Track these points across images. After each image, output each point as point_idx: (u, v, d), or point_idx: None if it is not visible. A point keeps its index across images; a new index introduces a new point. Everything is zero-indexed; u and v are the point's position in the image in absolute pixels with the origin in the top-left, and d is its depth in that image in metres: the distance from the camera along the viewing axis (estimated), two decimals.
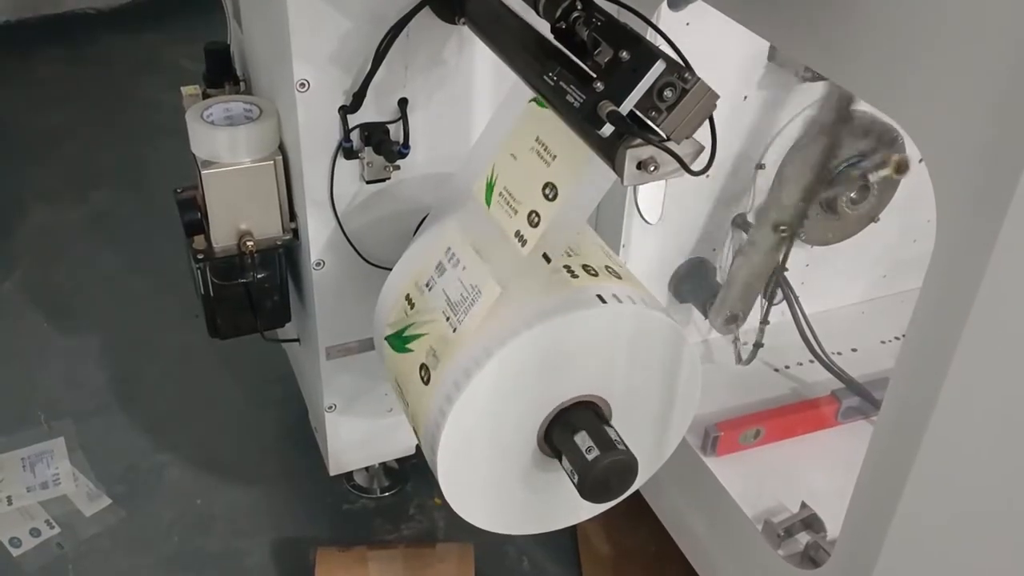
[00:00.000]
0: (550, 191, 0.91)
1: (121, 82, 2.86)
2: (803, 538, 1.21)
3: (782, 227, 1.31)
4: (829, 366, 1.43)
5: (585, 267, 1.01)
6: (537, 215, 0.92)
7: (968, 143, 0.73)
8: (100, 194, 2.38)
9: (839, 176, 1.38)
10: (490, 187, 0.99)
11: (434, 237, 1.08)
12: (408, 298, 1.06)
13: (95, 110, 2.72)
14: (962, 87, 0.73)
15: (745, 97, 1.34)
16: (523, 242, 0.93)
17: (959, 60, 0.73)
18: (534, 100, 0.95)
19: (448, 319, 0.98)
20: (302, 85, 1.09)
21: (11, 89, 2.82)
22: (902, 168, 1.37)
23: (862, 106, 1.35)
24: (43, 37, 3.06)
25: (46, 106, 2.75)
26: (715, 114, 0.75)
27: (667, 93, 0.73)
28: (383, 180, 1.19)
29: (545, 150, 0.92)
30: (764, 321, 1.40)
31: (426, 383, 0.98)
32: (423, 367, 0.99)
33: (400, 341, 1.05)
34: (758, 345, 1.42)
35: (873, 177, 1.38)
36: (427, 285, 1.03)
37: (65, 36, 3.09)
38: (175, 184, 1.31)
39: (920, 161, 0.80)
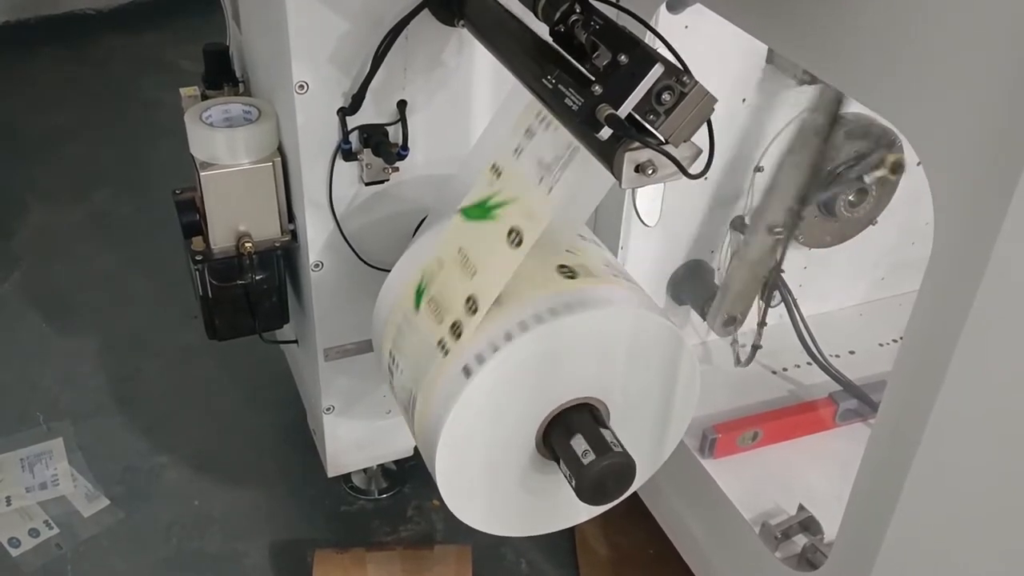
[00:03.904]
0: (471, 304, 0.92)
1: (121, 82, 2.86)
2: (800, 540, 1.21)
3: (776, 229, 1.32)
4: (827, 368, 1.43)
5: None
6: (460, 326, 0.94)
7: (965, 146, 0.73)
8: (100, 194, 2.38)
9: (837, 178, 1.38)
10: (419, 293, 1.01)
11: (433, 238, 1.08)
12: (494, 168, 0.97)
13: (95, 110, 2.73)
14: (959, 90, 0.73)
15: (744, 100, 1.34)
16: (445, 352, 0.95)
17: (956, 63, 0.73)
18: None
19: (541, 181, 0.90)
20: (301, 87, 1.09)
21: (11, 89, 2.82)
22: (897, 168, 1.37)
23: (861, 109, 1.35)
24: (43, 37, 3.07)
25: (46, 106, 2.75)
26: (713, 117, 0.75)
27: (665, 96, 0.73)
28: (382, 182, 1.19)
29: (467, 262, 0.94)
30: (762, 323, 1.40)
31: (517, 247, 0.91)
32: (513, 231, 0.91)
33: (483, 210, 0.97)
34: (756, 347, 1.42)
35: (869, 178, 1.38)
36: (516, 151, 0.95)
37: (65, 36, 3.09)
38: (175, 184, 1.31)
39: (918, 164, 0.80)
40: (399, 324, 1.05)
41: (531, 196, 0.90)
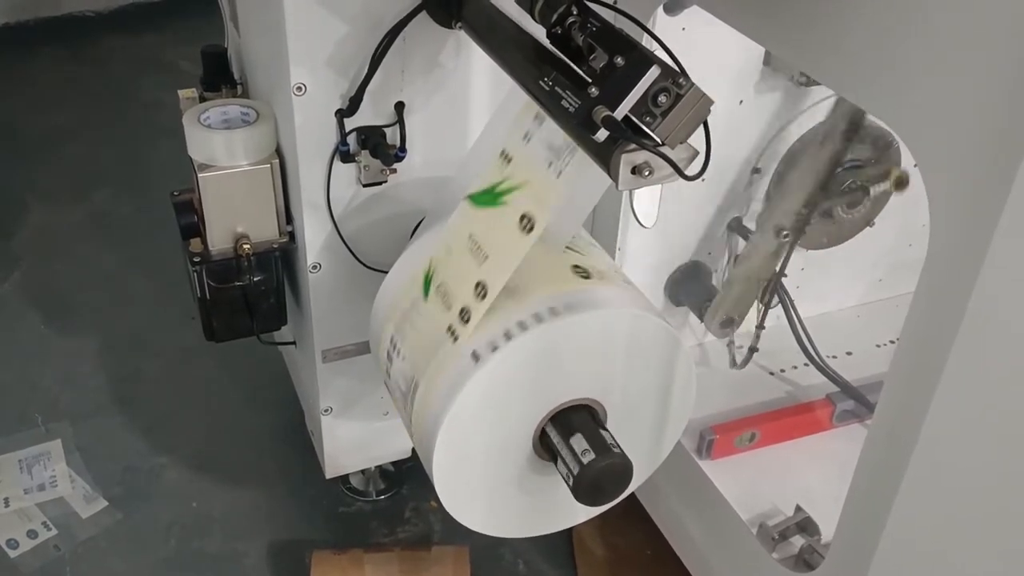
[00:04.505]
0: (480, 290, 0.93)
1: (121, 83, 2.86)
2: (798, 541, 1.21)
3: (784, 232, 1.32)
4: (824, 370, 1.43)
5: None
6: (468, 312, 0.94)
7: (961, 148, 0.73)
8: (100, 195, 2.38)
9: (835, 181, 1.38)
10: (428, 280, 1.01)
11: (432, 239, 1.08)
12: (504, 154, 0.97)
13: (95, 111, 2.73)
14: (955, 92, 0.73)
15: (741, 102, 1.34)
16: (455, 337, 0.95)
17: (952, 65, 0.73)
18: (469, 197, 0.98)
19: (550, 166, 0.90)
20: (299, 89, 1.09)
21: (11, 90, 2.82)
22: (902, 184, 1.38)
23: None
24: (43, 39, 3.07)
25: (46, 107, 2.75)
26: (710, 119, 0.75)
27: (662, 98, 0.74)
28: (380, 183, 1.19)
29: (478, 248, 0.94)
30: (760, 326, 1.40)
31: (528, 232, 0.91)
32: (525, 217, 0.91)
33: (491, 196, 0.97)
34: (753, 349, 1.42)
35: (874, 191, 1.39)
36: (525, 137, 0.95)
37: (65, 38, 3.09)
38: (175, 185, 1.31)
39: (915, 166, 0.80)
40: (405, 309, 1.05)
41: (541, 181, 0.90)
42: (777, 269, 1.36)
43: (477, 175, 1.00)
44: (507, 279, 0.92)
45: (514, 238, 0.91)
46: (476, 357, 0.94)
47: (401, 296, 1.07)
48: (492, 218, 0.96)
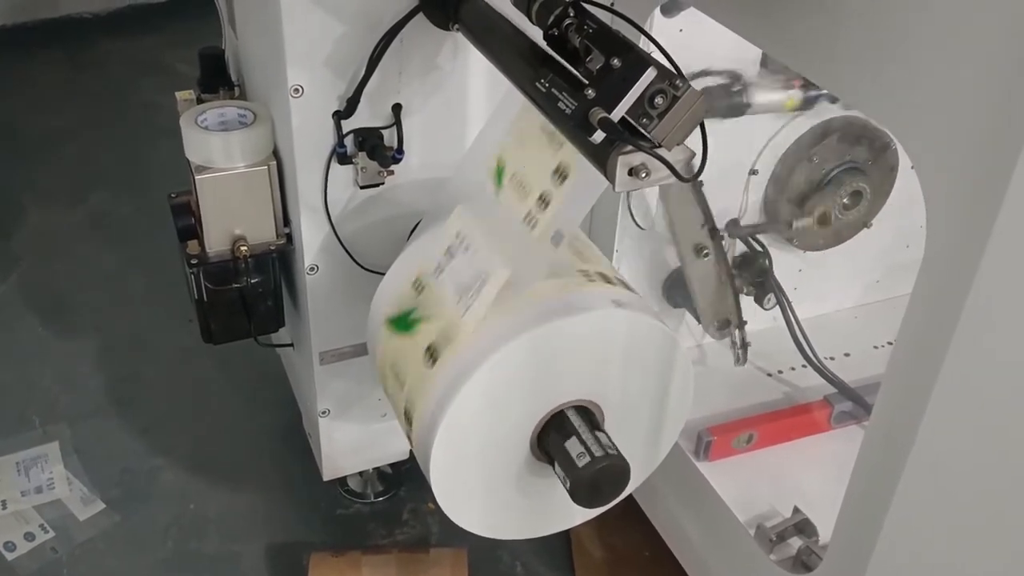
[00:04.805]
0: (559, 176, 0.91)
1: (119, 85, 2.86)
2: (795, 543, 1.21)
3: (704, 250, 1.36)
4: (822, 371, 1.43)
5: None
6: (547, 198, 0.92)
7: (957, 148, 0.73)
8: (99, 195, 2.38)
9: (831, 183, 1.38)
10: (499, 172, 0.99)
11: (431, 238, 1.08)
12: (416, 283, 1.05)
13: (93, 113, 2.73)
14: (951, 92, 0.73)
15: None
16: (533, 225, 0.93)
17: (948, 65, 0.73)
18: (388, 321, 1.01)
19: (458, 301, 0.98)
20: (296, 91, 1.09)
21: (10, 91, 2.82)
22: (824, 221, 1.42)
23: (853, 112, 1.36)
24: (41, 41, 3.07)
25: (44, 109, 2.75)
26: (706, 120, 0.75)
27: (658, 100, 0.74)
28: (377, 185, 1.19)
29: (555, 135, 0.92)
30: (741, 322, 1.41)
31: (432, 365, 0.97)
32: (430, 348, 0.98)
33: (405, 324, 1.04)
34: (746, 344, 1.42)
35: (796, 224, 1.42)
36: (436, 270, 1.02)
37: (63, 40, 3.09)
38: (174, 186, 1.31)
39: (911, 167, 0.80)
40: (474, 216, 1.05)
41: (449, 315, 0.96)
42: (727, 271, 1.38)
43: (471, 179, 1.01)
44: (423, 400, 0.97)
45: (420, 368, 0.98)
46: (452, 388, 0.94)
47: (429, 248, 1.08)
48: (405, 346, 1.02)
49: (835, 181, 1.40)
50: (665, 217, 1.37)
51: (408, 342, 1.03)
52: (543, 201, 0.93)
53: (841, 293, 1.63)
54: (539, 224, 0.93)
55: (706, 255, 1.35)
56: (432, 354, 0.98)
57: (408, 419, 1.02)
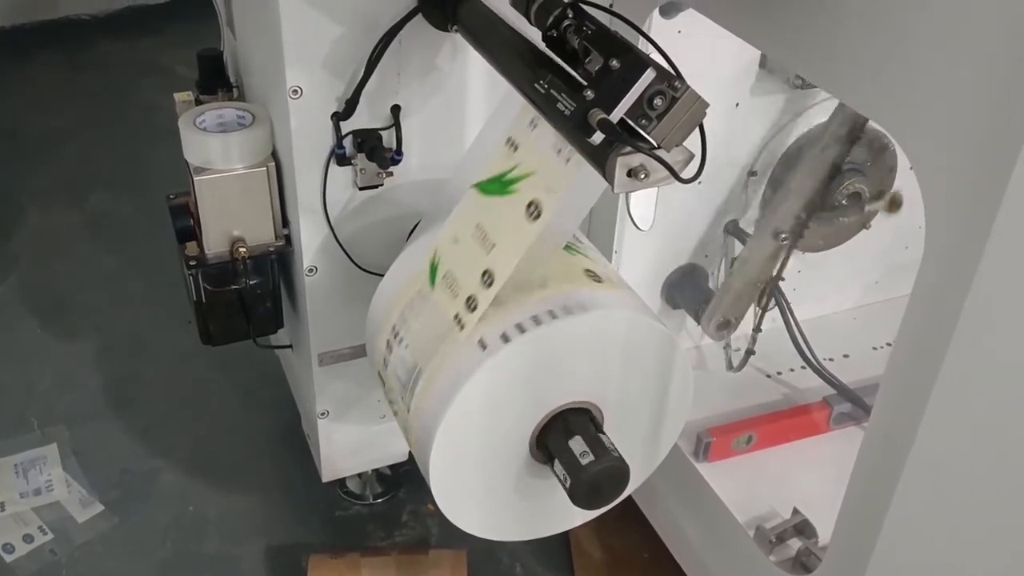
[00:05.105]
0: (487, 278, 0.93)
1: (118, 86, 2.86)
2: (795, 544, 1.21)
3: (783, 235, 1.32)
4: (821, 372, 1.43)
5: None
6: (475, 300, 0.94)
7: (958, 150, 0.73)
8: (98, 196, 2.38)
9: (832, 185, 1.38)
10: (433, 269, 1.01)
11: (431, 236, 1.07)
12: (510, 142, 0.97)
13: (93, 113, 2.73)
14: (952, 95, 0.73)
15: (737, 104, 1.34)
16: (461, 326, 0.95)
17: (947, 66, 0.73)
18: (476, 186, 0.97)
19: (559, 153, 0.90)
20: (295, 92, 1.09)
21: (10, 92, 2.82)
22: (895, 206, 1.38)
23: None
24: (40, 42, 3.07)
25: (44, 109, 2.75)
26: (706, 121, 0.75)
27: (657, 101, 0.74)
28: (376, 186, 1.19)
29: (485, 237, 0.94)
30: (757, 329, 1.40)
31: (535, 220, 0.91)
32: (532, 204, 0.91)
33: (499, 185, 0.96)
34: (749, 352, 1.42)
35: (869, 207, 1.39)
36: (531, 124, 0.94)
37: (62, 41, 3.09)
38: (173, 187, 1.31)
39: (910, 168, 0.80)
40: (411, 299, 1.05)
41: (550, 167, 0.89)
42: (774, 272, 1.36)
43: (483, 163, 0.99)
44: (514, 267, 0.91)
45: (521, 225, 0.91)
46: (478, 355, 0.94)
47: (405, 288, 1.07)
48: (500, 206, 0.95)
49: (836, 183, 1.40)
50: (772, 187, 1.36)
51: (504, 201, 0.96)
52: (471, 304, 0.94)
53: (840, 294, 1.63)
54: (466, 327, 0.94)
55: (784, 240, 1.33)
56: (534, 209, 0.91)
57: (488, 281, 0.96)
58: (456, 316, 0.96)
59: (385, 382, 1.09)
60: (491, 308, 0.94)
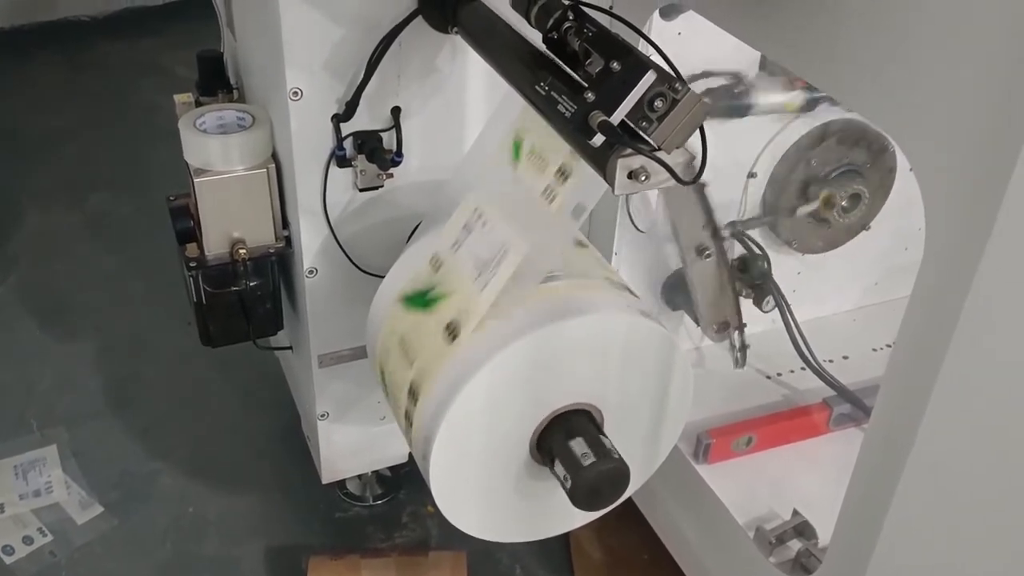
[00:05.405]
0: (413, 392, 0.95)
1: (118, 87, 2.87)
2: (795, 545, 1.21)
3: (706, 251, 1.36)
4: (820, 373, 1.43)
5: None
6: (566, 171, 0.90)
7: (957, 150, 0.74)
8: (98, 197, 2.38)
9: (830, 185, 1.38)
10: (517, 147, 0.98)
11: (431, 241, 1.08)
12: (434, 259, 1.03)
13: (92, 114, 2.73)
14: (951, 95, 0.73)
15: None
16: (552, 198, 0.92)
17: (947, 68, 0.73)
18: (403, 299, 1.00)
19: (477, 277, 0.97)
20: (295, 93, 1.09)
21: (10, 93, 2.82)
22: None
23: (854, 115, 1.36)
24: (39, 43, 3.07)
25: (43, 110, 2.76)
26: (705, 124, 0.75)
27: (658, 103, 0.74)
28: (376, 188, 1.19)
29: (408, 351, 0.97)
30: (741, 325, 1.41)
31: (451, 342, 0.96)
32: (450, 325, 0.96)
33: (422, 301, 1.02)
34: (744, 347, 1.43)
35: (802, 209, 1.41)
36: (454, 246, 1.01)
37: (61, 42, 3.09)
38: (173, 187, 1.31)
39: (910, 170, 0.80)
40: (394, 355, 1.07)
41: (467, 292, 0.95)
42: (730, 273, 1.38)
43: (490, 152, 1.00)
44: (433, 380, 0.96)
45: (438, 344, 0.96)
46: (479, 356, 0.94)
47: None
48: (421, 322, 1.00)
49: (834, 183, 1.40)
50: (667, 217, 1.38)
51: (425, 318, 1.01)
52: (562, 174, 0.91)
53: (840, 296, 1.63)
54: (558, 197, 0.91)
55: (708, 256, 1.35)
56: (452, 331, 0.96)
57: (414, 397, 1.00)
58: (547, 189, 0.93)
59: (386, 382, 1.09)
60: (492, 309, 0.94)
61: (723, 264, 1.38)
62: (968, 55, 0.71)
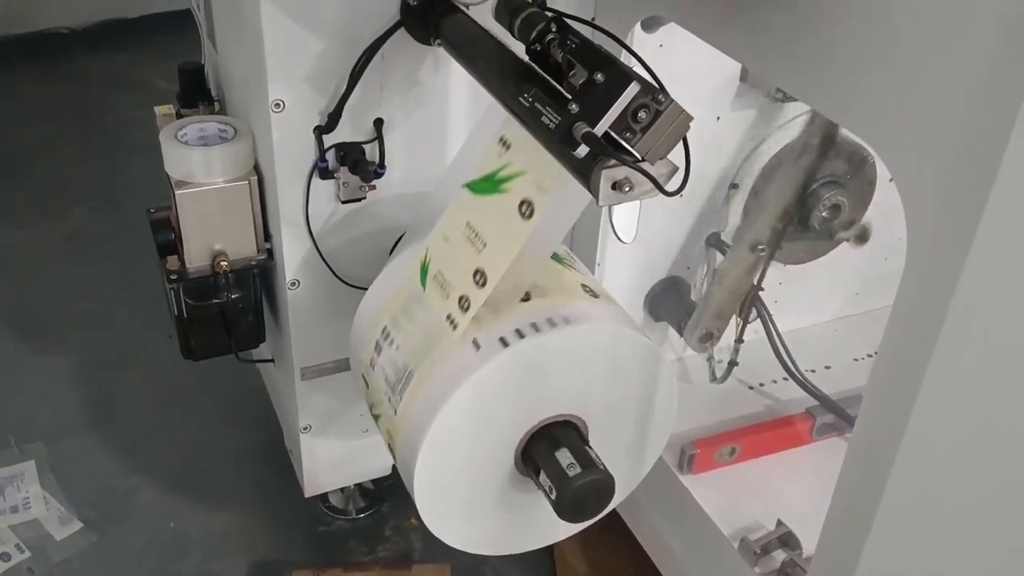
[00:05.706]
0: (480, 277, 0.92)
1: (96, 100, 2.85)
2: (779, 555, 1.21)
3: (760, 247, 1.33)
4: (803, 383, 1.44)
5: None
6: (467, 300, 0.93)
7: (936, 161, 0.74)
8: (76, 212, 2.36)
9: (811, 196, 1.39)
10: (424, 269, 1.00)
11: (410, 258, 1.07)
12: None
13: (71, 128, 2.71)
14: (931, 106, 0.74)
15: (718, 118, 1.35)
16: (454, 325, 0.95)
17: (927, 79, 0.74)
18: (467, 185, 0.97)
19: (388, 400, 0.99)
20: (277, 105, 1.09)
21: None
22: (862, 241, 1.41)
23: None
24: (17, 55, 3.05)
25: (21, 123, 2.74)
26: (688, 135, 0.76)
27: (641, 114, 0.74)
28: (359, 200, 1.19)
29: (476, 236, 0.94)
30: (739, 340, 1.41)
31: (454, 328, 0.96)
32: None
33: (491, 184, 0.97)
34: (732, 363, 1.43)
35: (839, 236, 1.41)
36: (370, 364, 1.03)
37: (39, 54, 3.08)
38: (152, 201, 1.30)
39: (890, 180, 0.81)
40: (404, 301, 1.04)
41: (542, 164, 0.88)
42: (755, 283, 1.37)
43: (473, 164, 0.99)
44: (507, 266, 0.90)
45: (513, 224, 0.90)
46: (465, 368, 0.94)
47: (394, 295, 1.07)
48: (491, 206, 0.94)
49: (814, 195, 1.41)
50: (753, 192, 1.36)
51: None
52: (463, 303, 0.94)
53: (821, 306, 1.64)
54: (459, 325, 0.94)
55: (761, 251, 1.33)
56: (452, 321, 0.96)
57: (407, 380, 1.00)
58: (449, 316, 0.95)
59: (370, 385, 1.08)
60: (478, 318, 0.94)
61: (756, 271, 1.37)
62: (948, 65, 0.72)
